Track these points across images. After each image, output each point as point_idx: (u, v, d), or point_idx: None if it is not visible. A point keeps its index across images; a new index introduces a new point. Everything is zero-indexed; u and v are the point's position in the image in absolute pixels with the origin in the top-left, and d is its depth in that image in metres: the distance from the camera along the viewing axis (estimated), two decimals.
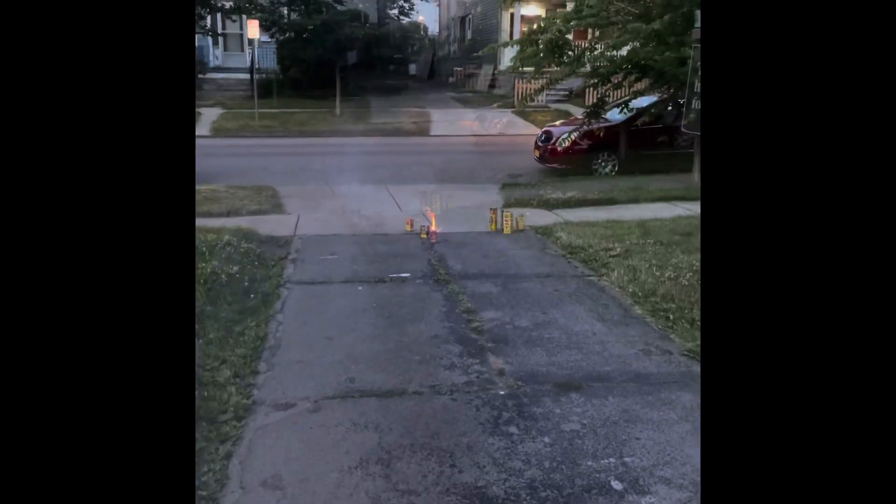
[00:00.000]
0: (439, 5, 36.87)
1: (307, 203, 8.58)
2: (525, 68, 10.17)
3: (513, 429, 3.14)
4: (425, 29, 38.29)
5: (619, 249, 6.08)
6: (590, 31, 10.65)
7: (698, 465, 2.84)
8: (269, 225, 7.19)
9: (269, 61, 23.49)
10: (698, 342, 4.04)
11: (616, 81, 10.35)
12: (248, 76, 22.54)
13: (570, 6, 10.38)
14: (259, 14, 18.38)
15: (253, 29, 17.99)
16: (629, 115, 10.84)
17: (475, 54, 15.69)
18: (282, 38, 20.27)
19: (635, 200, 8.60)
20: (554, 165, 11.39)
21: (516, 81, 20.87)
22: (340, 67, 18.96)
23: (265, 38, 20.74)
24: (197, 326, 4.06)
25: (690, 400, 3.42)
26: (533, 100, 11.79)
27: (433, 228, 6.70)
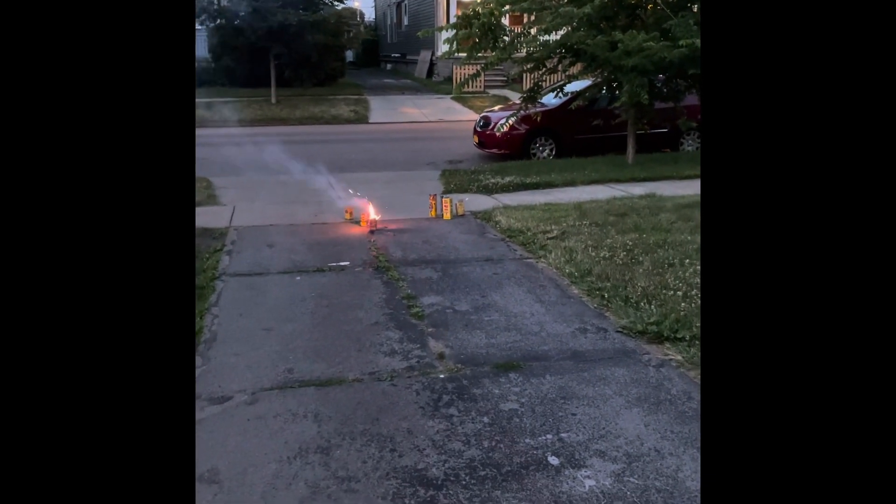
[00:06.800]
0: None
1: (243, 193, 8.41)
2: (460, 53, 10.15)
3: (452, 411, 3.17)
4: (361, 15, 37.85)
5: (556, 232, 6.18)
6: (525, 15, 10.70)
7: (631, 438, 2.93)
8: (203, 217, 7.00)
9: (200, 49, 22.81)
10: (632, 319, 4.15)
11: (551, 66, 10.45)
12: None
13: None
14: None
15: None
16: (564, 99, 10.98)
17: (412, 40, 15.57)
18: (212, 25, 19.65)
19: (572, 183, 8.74)
20: (493, 150, 11.47)
21: (454, 67, 20.85)
22: (275, 55, 18.50)
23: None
24: None
25: (624, 375, 3.52)
26: (470, 85, 11.80)
27: (373, 216, 6.66)
